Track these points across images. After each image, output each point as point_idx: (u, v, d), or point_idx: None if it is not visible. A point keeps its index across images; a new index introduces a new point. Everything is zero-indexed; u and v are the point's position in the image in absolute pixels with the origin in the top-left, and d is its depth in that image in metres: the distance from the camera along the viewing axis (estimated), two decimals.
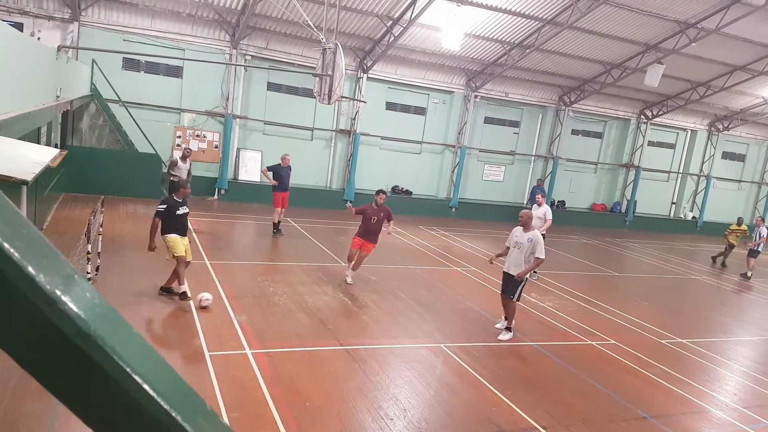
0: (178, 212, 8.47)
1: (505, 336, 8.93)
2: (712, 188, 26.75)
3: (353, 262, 10.78)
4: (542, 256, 8.72)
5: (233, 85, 18.18)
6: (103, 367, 0.55)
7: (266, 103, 18.97)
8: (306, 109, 19.16)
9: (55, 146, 13.62)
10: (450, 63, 20.11)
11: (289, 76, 18.56)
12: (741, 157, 27.90)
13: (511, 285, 8.85)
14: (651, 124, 24.88)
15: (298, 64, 18.17)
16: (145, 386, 0.56)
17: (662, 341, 9.97)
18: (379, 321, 9.03)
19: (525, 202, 23.22)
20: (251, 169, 18.70)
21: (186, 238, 8.63)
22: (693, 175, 26.73)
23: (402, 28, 16.88)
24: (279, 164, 13.91)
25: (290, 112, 19.18)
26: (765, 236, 17.33)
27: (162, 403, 0.57)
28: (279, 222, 14.02)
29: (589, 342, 9.39)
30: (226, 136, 18.34)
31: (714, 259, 18.97)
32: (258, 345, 7.39)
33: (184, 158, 14.44)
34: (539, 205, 13.49)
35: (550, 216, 13.28)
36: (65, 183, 14.87)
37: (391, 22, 17.15)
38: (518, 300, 8.95)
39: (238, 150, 18.84)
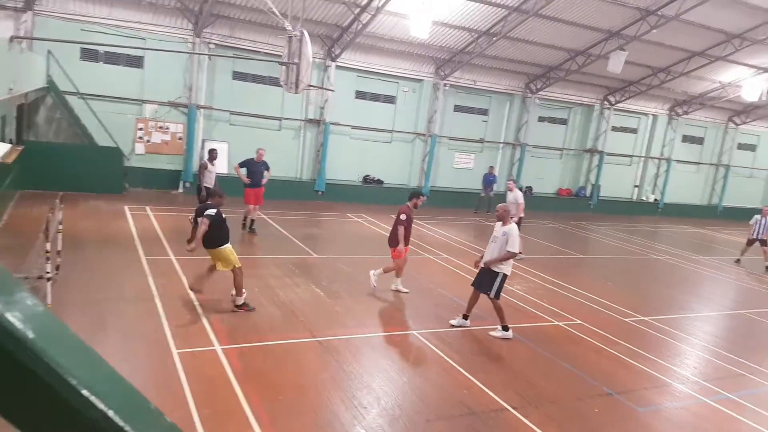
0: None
1: (498, 333, 8.58)
2: (672, 171, 27.49)
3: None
4: (514, 250, 8.34)
5: (197, 74, 17.83)
6: (31, 367, 0.53)
7: (232, 93, 18.67)
8: (273, 99, 18.93)
9: (9, 141, 13.20)
10: (419, 51, 20.11)
11: (255, 65, 18.29)
12: (699, 140, 28.71)
13: (486, 280, 8.51)
14: (614, 109, 25.38)
15: (265, 53, 17.91)
16: (79, 387, 0.54)
17: (626, 320, 10.27)
18: (352, 311, 9.06)
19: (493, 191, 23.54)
20: (217, 161, 18.38)
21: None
22: (654, 158, 27.42)
23: (370, 16, 16.81)
24: (252, 159, 13.56)
25: (257, 101, 18.93)
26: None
27: (98, 404, 0.54)
28: (253, 221, 13.51)
29: (557, 323, 9.61)
30: (190, 128, 18.01)
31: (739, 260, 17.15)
32: (228, 340, 7.33)
33: (212, 160, 13.87)
34: (510, 190, 14.27)
35: (521, 200, 13.94)
36: (22, 179, 14.40)
37: (358, 9, 17.03)
38: (496, 297, 8.46)
39: (204, 141, 18.53)
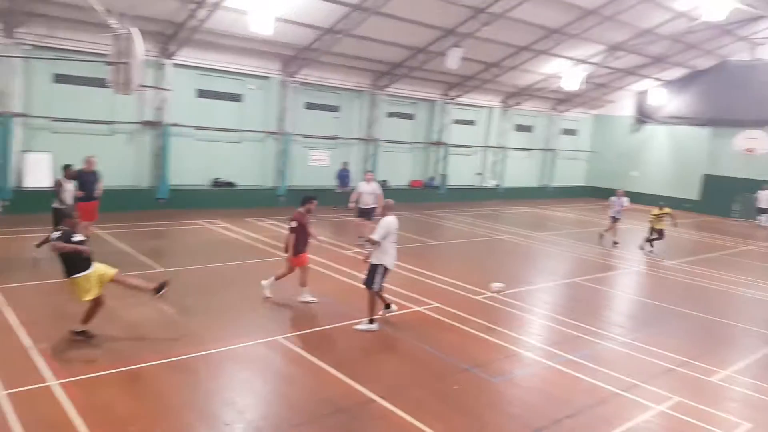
0: (74, 239, 7.35)
1: (363, 327, 8.74)
2: (508, 158, 29.91)
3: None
4: (375, 238, 8.60)
5: (10, 79, 15.73)
6: None
7: (53, 98, 16.72)
8: (102, 102, 17.25)
9: None
10: (263, 48, 19.59)
11: (79, 66, 16.51)
12: (530, 129, 31.55)
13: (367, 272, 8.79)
14: (454, 103, 26.94)
15: (90, 53, 16.22)
16: None
17: (477, 297, 10.94)
18: (207, 325, 8.55)
19: (351, 186, 23.83)
20: (40, 175, 16.40)
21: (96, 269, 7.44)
22: (492, 147, 29.61)
23: (208, 12, 16.02)
24: (82, 169, 12.37)
25: (83, 105, 17.15)
26: (625, 206, 18.20)
27: None
28: (87, 238, 12.32)
29: (417, 309, 9.96)
30: (4, 139, 15.86)
31: (649, 242, 17.51)
32: (65, 374, 6.53)
33: (70, 177, 12.02)
34: (368, 182, 15.06)
35: (380, 191, 14.73)
36: None
37: (195, 5, 16.13)
38: (368, 287, 8.71)
39: (22, 153, 16.42)
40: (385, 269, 8.81)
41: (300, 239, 9.56)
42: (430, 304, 10.24)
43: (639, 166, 31.77)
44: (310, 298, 9.82)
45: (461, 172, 28.42)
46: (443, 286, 11.64)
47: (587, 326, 9.80)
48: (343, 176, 22.21)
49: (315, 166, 23.09)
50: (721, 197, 27.86)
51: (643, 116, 31.54)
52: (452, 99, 26.63)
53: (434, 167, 27.29)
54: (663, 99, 30.19)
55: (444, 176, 26.98)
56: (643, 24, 22.18)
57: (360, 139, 24.29)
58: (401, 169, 26.23)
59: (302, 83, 21.66)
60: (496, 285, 10.98)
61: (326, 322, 9.03)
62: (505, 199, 29.15)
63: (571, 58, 24.64)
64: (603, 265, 15.20)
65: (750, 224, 25.66)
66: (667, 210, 17.37)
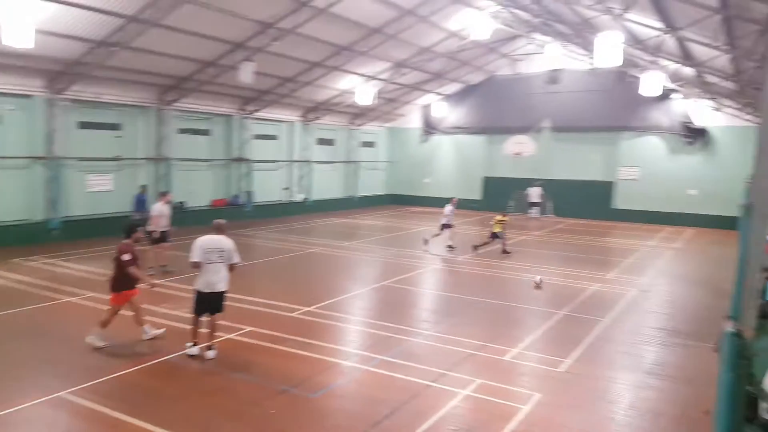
0: None
1: (212, 353, 8.39)
2: (313, 171, 30.31)
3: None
4: (191, 260, 8.41)
5: None
6: None
7: None
8: None
9: None
10: (23, 63, 17.04)
11: None
12: (331, 142, 32.41)
13: (220, 301, 8.47)
14: (253, 118, 26.48)
15: None
16: None
17: (293, 314, 10.77)
18: None
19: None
20: None
21: None
22: (297, 161, 29.75)
23: None
24: None
25: None
26: (450, 212, 18.86)
27: None
28: None
29: (227, 336, 9.41)
30: None
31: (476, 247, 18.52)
32: None
33: None
34: (166, 203, 14.61)
35: (167, 212, 14.42)
36: None
37: None
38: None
39: None
40: (199, 293, 8.32)
41: (123, 274, 8.70)
42: (242, 330, 9.77)
43: (430, 173, 34.59)
44: (156, 332, 9.13)
45: (268, 188, 28.02)
46: (255, 308, 11.22)
47: (397, 325, 10.23)
48: (142, 200, 20.26)
49: (95, 192, 20.73)
50: (500, 195, 31.48)
51: (429, 128, 34.43)
52: (250, 114, 26.14)
53: (238, 184, 26.49)
54: (444, 111, 33.33)
55: (249, 193, 26.31)
56: (422, 43, 24.19)
57: (149, 159, 22.52)
58: (200, 189, 24.95)
59: (73, 101, 19.33)
60: (538, 277, 13.51)
61: (119, 367, 8.03)
62: (314, 212, 29.45)
63: (362, 75, 25.86)
64: (408, 266, 16.09)
65: (524, 217, 29.44)
66: (507, 218, 18.91)
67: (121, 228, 9.11)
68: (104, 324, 8.74)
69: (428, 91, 31.23)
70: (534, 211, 29.60)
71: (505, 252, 18.27)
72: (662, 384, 7.84)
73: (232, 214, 25.19)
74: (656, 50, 15.48)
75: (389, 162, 36.33)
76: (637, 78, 24.34)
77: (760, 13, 9.80)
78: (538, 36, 26.28)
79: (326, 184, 31.65)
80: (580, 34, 20.66)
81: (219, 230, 8.58)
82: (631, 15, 14.11)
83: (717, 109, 25.47)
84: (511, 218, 19.68)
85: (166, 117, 22.62)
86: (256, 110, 26.06)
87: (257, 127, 27.20)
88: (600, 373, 8.24)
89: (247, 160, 26.31)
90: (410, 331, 10.00)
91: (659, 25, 14.57)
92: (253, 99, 25.47)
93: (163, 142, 22.70)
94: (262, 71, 21.77)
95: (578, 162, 29.73)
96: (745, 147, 24.30)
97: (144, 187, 20.11)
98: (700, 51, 16.13)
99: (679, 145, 27.04)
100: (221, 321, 10.03)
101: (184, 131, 23.94)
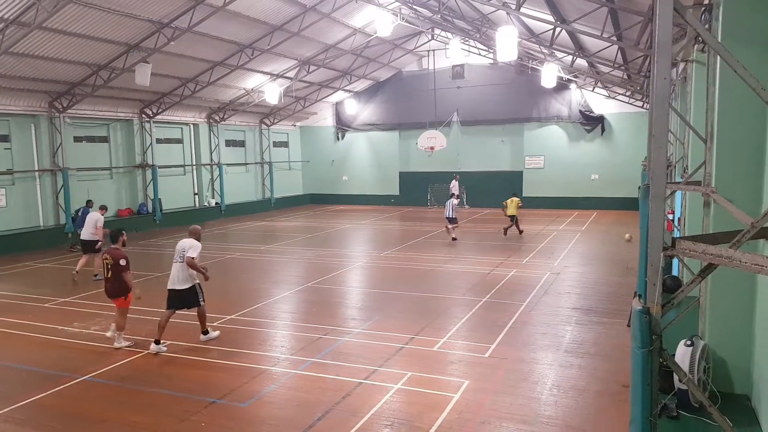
0: None
1: (214, 334, 9.47)
2: (225, 174, 29.38)
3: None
4: (193, 255, 9.02)
5: None
6: None
7: None
8: None
9: None
10: None
11: None
12: (242, 143, 31.55)
13: (188, 298, 9.05)
14: (154, 122, 25.26)
15: None
16: None
17: (213, 324, 10.38)
18: None
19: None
20: None
21: None
22: (206, 165, 28.72)
23: None
24: None
25: None
26: (454, 205, 20.26)
27: None
28: None
29: (146, 351, 8.97)
30: None
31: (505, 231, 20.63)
32: None
33: None
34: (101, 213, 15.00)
35: (101, 223, 14.51)
36: None
37: None
38: (203, 303, 9.25)
39: None
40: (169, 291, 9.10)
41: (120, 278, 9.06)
42: (163, 343, 9.32)
43: (348, 170, 34.58)
44: (125, 343, 9.22)
45: (177, 194, 26.90)
46: (174, 319, 10.64)
47: (325, 326, 10.16)
48: (86, 214, 18.56)
49: None
50: (417, 190, 32.15)
51: (342, 125, 34.42)
52: (151, 117, 24.92)
53: (144, 192, 25.21)
54: (356, 108, 33.41)
55: (156, 200, 25.10)
56: (327, 40, 24.09)
57: (44, 170, 20.94)
58: (104, 199, 23.40)
59: None
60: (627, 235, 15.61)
61: (32, 392, 7.47)
62: (229, 216, 28.61)
63: (267, 73, 25.38)
64: (331, 266, 16.01)
65: (443, 209, 30.12)
66: (518, 200, 21.03)
67: (111, 238, 9.51)
68: (121, 327, 9.19)
69: (338, 89, 31.18)
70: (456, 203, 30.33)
71: (521, 233, 20.62)
72: (582, 361, 8.32)
73: (139, 223, 24.03)
74: (551, 43, 16.32)
75: (304, 161, 35.95)
76: (537, 70, 25.62)
77: (644, 5, 10.60)
78: (440, 32, 26.96)
79: (239, 187, 30.82)
80: (480, 29, 21.39)
81: (195, 235, 9.49)
82: (525, 9, 14.78)
83: (611, 97, 27.30)
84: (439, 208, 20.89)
85: (59, 125, 21.11)
86: (158, 113, 24.89)
87: (160, 131, 26.03)
88: (524, 355, 8.61)
89: (151, 166, 25.09)
90: (338, 330, 9.97)
91: (552, 18, 15.39)
92: (153, 102, 24.33)
93: (58, 152, 21.17)
94: (161, 72, 20.88)
95: (487, 153, 30.87)
96: (638, 132, 26.30)
97: (89, 202, 18.62)
98: (591, 42, 17.22)
99: (580, 132, 28.76)
100: (138, 336, 9.58)
101: (79, 139, 22.48)
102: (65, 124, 21.38)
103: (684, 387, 5.42)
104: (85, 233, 14.53)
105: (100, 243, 14.19)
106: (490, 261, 15.90)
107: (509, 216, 20.60)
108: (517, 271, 14.47)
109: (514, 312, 10.80)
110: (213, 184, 29.12)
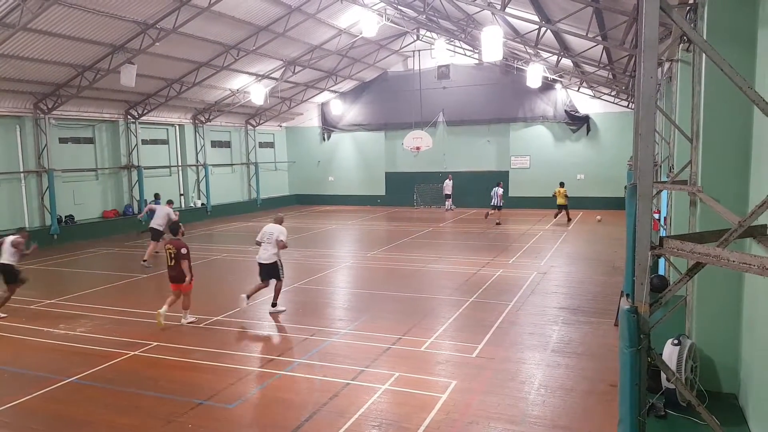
0: None
1: (281, 308, 11.23)
2: (211, 175, 29.16)
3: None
4: (283, 239, 10.96)
5: None
6: None
7: None
8: None
9: None
10: None
11: None
12: (227, 144, 31.32)
13: (272, 271, 10.98)
14: (140, 123, 25.00)
15: None
16: None
17: (200, 326, 10.32)
18: None
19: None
20: None
21: None
22: (192, 166, 28.48)
23: None
24: None
25: None
26: (500, 194, 23.65)
27: None
28: None
29: (133, 353, 8.87)
30: None
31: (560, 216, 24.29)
32: None
33: None
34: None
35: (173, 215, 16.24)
36: None
37: None
38: (283, 278, 11.25)
39: None
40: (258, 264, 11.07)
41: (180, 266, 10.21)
42: (148, 345, 9.24)
43: (334, 171, 34.47)
44: (191, 318, 10.53)
45: (163, 195, 26.55)
46: (171, 322, 10.60)
47: (312, 327, 10.11)
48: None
49: None
50: (404, 190, 32.13)
51: (328, 126, 34.31)
52: (136, 118, 24.66)
53: (130, 193, 24.94)
54: (341, 109, 33.32)
55: (142, 201, 24.82)
56: (313, 40, 24.00)
57: (30, 172, 20.66)
58: (89, 200, 23.27)
59: None
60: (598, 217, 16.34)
61: (16, 395, 7.36)
62: (215, 217, 28.41)
63: (253, 74, 25.24)
64: (318, 266, 15.93)
65: (431, 210, 30.15)
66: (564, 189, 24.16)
67: (172, 230, 10.91)
68: (187, 306, 10.43)
69: (323, 89, 31.09)
70: (448, 204, 30.42)
71: (569, 220, 23.52)
72: (569, 361, 8.33)
73: (125, 225, 23.77)
74: (536, 43, 16.38)
75: (290, 162, 35.78)
76: (523, 70, 25.72)
77: (629, 5, 10.67)
78: (425, 33, 26.98)
79: (226, 188, 30.61)
80: (465, 30, 21.44)
81: (281, 221, 11.40)
82: (510, 9, 14.82)
83: (596, 97, 27.49)
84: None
85: (44, 126, 20.84)
86: (143, 114, 24.63)
87: (145, 132, 25.77)
88: (511, 355, 8.61)
89: (137, 167, 24.83)
90: (326, 331, 9.92)
91: (537, 18, 15.45)
92: (138, 103, 24.09)
93: (43, 153, 20.90)
94: (146, 73, 20.71)
95: (473, 154, 30.93)
96: (624, 132, 26.52)
97: (157, 195, 20.76)
98: (576, 42, 17.32)
99: (565, 132, 28.92)
100: (124, 338, 9.47)
101: (65, 140, 22.21)
102: (50, 125, 21.11)
103: (672, 386, 5.45)
104: (155, 223, 16.39)
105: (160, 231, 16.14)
106: (476, 261, 15.92)
107: (558, 205, 23.96)
108: (504, 271, 14.50)
109: (501, 312, 10.82)
110: (199, 185, 28.89)
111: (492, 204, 23.71)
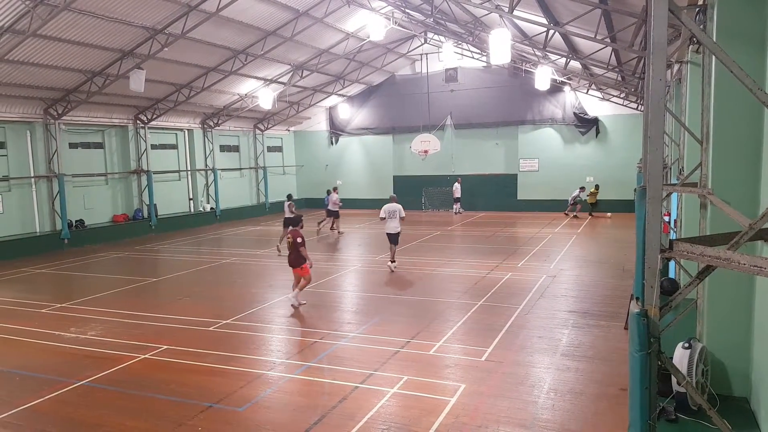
0: None
1: (393, 264, 15.09)
2: (219, 179, 29.30)
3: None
4: (403, 215, 14.83)
5: None
6: None
7: None
8: None
9: None
10: None
11: None
12: (236, 148, 31.48)
13: (397, 237, 15.03)
14: (149, 128, 25.18)
15: None
16: None
17: (211, 329, 10.35)
18: None
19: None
20: None
21: None
22: (201, 170, 28.64)
23: None
24: None
25: None
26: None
27: None
28: None
29: (143, 356, 8.93)
30: None
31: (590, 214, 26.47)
32: None
33: None
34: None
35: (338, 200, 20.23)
36: None
37: None
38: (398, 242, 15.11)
39: None
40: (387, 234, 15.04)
41: (298, 253, 11.56)
42: (158, 348, 9.29)
43: (342, 175, 34.52)
44: (302, 301, 11.80)
45: (172, 200, 26.82)
46: (171, 324, 10.68)
47: (321, 330, 10.12)
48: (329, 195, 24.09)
49: None
50: (412, 193, 32.09)
51: (336, 129, 34.39)
52: (145, 123, 24.84)
53: (139, 198, 25.12)
54: (349, 113, 33.39)
55: (152, 206, 25.01)
56: (321, 45, 24.08)
57: (40, 177, 20.87)
58: (99, 205, 23.47)
59: None
60: (608, 214, 18.44)
61: (30, 397, 7.43)
62: (225, 221, 28.53)
63: (261, 78, 25.36)
64: (327, 270, 15.96)
65: (439, 213, 30.08)
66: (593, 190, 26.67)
67: (293, 221, 13.20)
68: (302, 287, 11.68)
69: (331, 93, 31.18)
70: (457, 207, 30.38)
71: (590, 215, 26.25)
72: (579, 365, 8.29)
73: (135, 229, 23.95)
74: (544, 45, 16.36)
75: (298, 166, 35.89)
76: (531, 73, 25.67)
77: (637, 7, 10.63)
78: (433, 36, 27.00)
79: (234, 192, 30.75)
80: (472, 32, 21.44)
81: (393, 200, 15.25)
82: (518, 12, 14.81)
83: (605, 99, 27.37)
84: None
85: (54, 132, 21.06)
86: (152, 119, 24.82)
87: (155, 137, 25.96)
88: (520, 358, 8.58)
89: (146, 172, 25.00)
90: (334, 334, 9.93)
91: (545, 21, 15.43)
92: (147, 108, 24.27)
93: (54, 158, 21.11)
94: (155, 78, 20.86)
95: (482, 156, 30.88)
96: (633, 134, 26.36)
97: (332, 188, 24.54)
98: (584, 44, 17.27)
99: (574, 135, 28.80)
100: (134, 341, 9.53)
101: (75, 145, 22.42)
102: (60, 130, 21.32)
103: (682, 390, 5.41)
104: (330, 206, 23.14)
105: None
106: (485, 264, 15.88)
107: (591, 203, 26.07)
108: (513, 275, 14.46)
109: (510, 315, 10.78)
110: (208, 190, 29.04)
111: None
